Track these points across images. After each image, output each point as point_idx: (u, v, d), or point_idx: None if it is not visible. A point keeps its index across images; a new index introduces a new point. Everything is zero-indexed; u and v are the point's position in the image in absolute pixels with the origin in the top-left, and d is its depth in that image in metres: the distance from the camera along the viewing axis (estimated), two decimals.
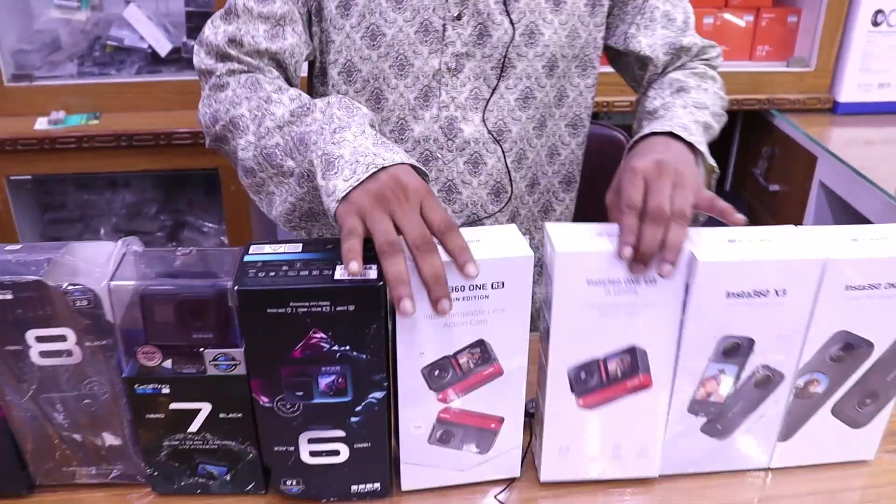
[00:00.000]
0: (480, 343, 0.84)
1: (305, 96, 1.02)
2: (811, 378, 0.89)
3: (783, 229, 0.87)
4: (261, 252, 0.81)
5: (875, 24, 2.22)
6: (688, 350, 0.85)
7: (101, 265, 0.81)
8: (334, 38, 1.11)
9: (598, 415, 0.89)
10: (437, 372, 0.85)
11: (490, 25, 1.10)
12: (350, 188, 0.84)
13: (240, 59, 1.08)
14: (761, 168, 2.34)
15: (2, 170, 1.96)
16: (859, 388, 0.90)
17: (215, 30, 1.09)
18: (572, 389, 0.88)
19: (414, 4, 1.08)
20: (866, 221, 1.90)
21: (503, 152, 1.18)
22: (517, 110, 1.16)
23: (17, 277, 0.79)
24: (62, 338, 0.82)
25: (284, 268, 0.78)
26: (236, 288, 0.76)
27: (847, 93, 2.27)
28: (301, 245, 0.83)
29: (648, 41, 1.22)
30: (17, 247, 0.84)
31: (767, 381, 0.88)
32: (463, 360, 0.85)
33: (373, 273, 0.78)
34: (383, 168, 0.84)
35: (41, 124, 1.96)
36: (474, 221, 1.21)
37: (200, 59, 1.10)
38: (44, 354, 0.83)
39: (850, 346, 0.87)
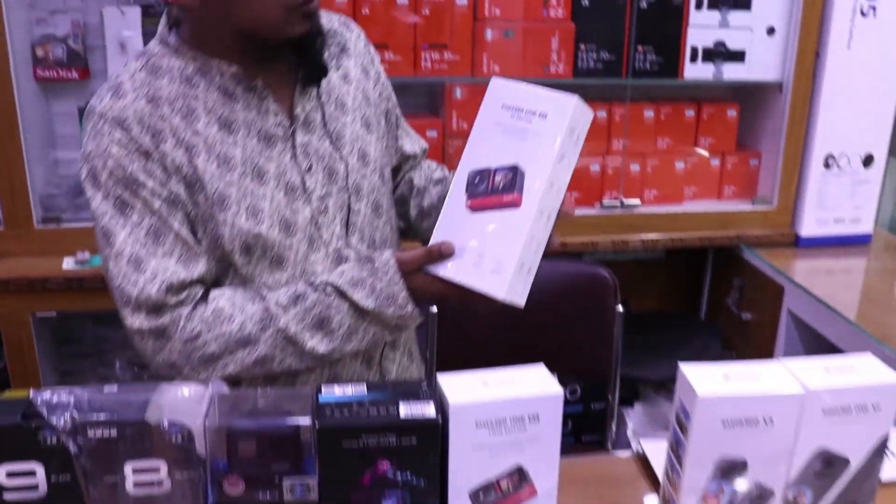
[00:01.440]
0: (518, 469, 0.98)
1: (280, 300, 1.21)
2: (798, 491, 1.03)
3: (768, 365, 1.03)
4: (332, 393, 0.95)
5: (826, 166, 2.46)
6: (691, 470, 1.00)
7: (192, 405, 0.94)
8: (223, 231, 1.20)
9: (477, 219, 1.13)
10: (481, 495, 0.98)
11: (334, 163, 1.28)
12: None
13: (177, 302, 1.18)
14: (733, 299, 2.53)
15: (28, 307, 2.09)
16: (841, 500, 1.04)
17: (137, 285, 1.16)
18: (466, 190, 1.15)
19: (273, 174, 1.22)
20: (833, 347, 2.08)
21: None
22: (374, 220, 1.35)
23: (123, 417, 0.92)
24: (155, 469, 0.94)
25: (356, 407, 0.92)
26: (317, 426, 0.90)
27: (807, 227, 2.49)
28: (365, 385, 0.97)
29: (410, 139, 1.50)
30: (114, 388, 0.97)
31: (760, 497, 1.02)
32: (504, 483, 0.98)
33: (431, 411, 0.92)
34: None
35: (68, 264, 2.10)
36: None
37: (140, 321, 1.17)
38: (137, 485, 0.95)
39: (829, 462, 1.02)
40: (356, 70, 1.36)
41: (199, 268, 1.20)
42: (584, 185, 2.40)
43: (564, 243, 2.35)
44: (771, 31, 2.39)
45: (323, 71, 1.27)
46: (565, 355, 2.13)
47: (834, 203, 2.49)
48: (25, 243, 2.14)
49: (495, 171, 1.15)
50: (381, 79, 1.42)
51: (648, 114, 2.41)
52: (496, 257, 1.12)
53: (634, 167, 2.41)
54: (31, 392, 0.94)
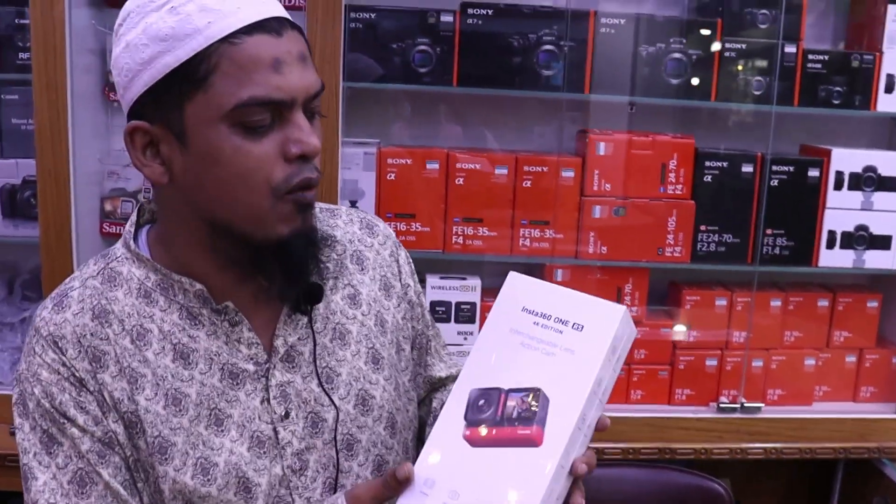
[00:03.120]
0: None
1: None
2: None
3: None
4: None
5: None
6: None
7: None
8: (163, 486, 0.95)
9: (478, 456, 0.88)
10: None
11: (321, 410, 1.01)
12: None
13: None
14: None
15: None
16: None
17: None
18: (465, 415, 0.90)
19: (236, 421, 0.98)
20: None
21: None
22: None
23: None
24: None
25: None
26: None
27: None
28: None
29: (444, 364, 1.23)
30: None
31: None
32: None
33: None
34: None
35: None
36: None
37: None
38: None
39: None
40: (372, 287, 1.10)
41: None
42: (697, 383, 2.10)
43: (672, 449, 2.05)
44: None
45: (315, 293, 1.02)
46: None
47: None
48: None
49: (508, 393, 0.89)
50: (410, 295, 1.15)
51: (775, 303, 2.11)
52: None
53: (757, 363, 2.11)
54: None
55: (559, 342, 0.89)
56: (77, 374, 0.94)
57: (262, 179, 0.90)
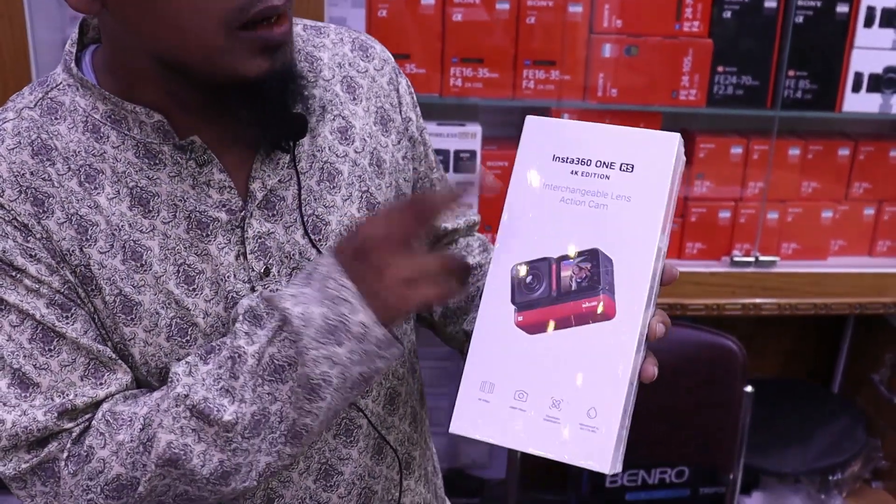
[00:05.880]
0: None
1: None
2: None
3: None
4: None
5: None
6: None
7: None
8: (132, 350, 0.85)
9: (540, 345, 0.75)
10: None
11: (307, 265, 0.89)
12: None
13: (72, 427, 0.82)
14: (883, 376, 2.11)
15: None
16: None
17: (20, 415, 0.80)
18: (513, 298, 0.77)
19: (209, 278, 0.85)
20: None
21: (371, 406, 0.96)
22: None
23: None
24: None
25: None
26: None
27: None
28: None
29: (451, 213, 1.10)
30: None
31: None
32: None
33: None
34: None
35: None
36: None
37: (15, 463, 0.80)
38: None
39: None
40: (367, 120, 0.95)
41: (118, 383, 0.83)
42: (710, 236, 2.00)
43: (683, 305, 1.97)
44: None
45: (298, 126, 0.87)
46: (674, 433, 1.79)
47: None
48: None
49: (559, 262, 0.76)
50: (411, 131, 1.01)
51: (793, 151, 1.98)
52: (586, 405, 0.73)
53: (772, 215, 2.00)
54: None
55: (608, 190, 0.76)
56: (20, 219, 0.80)
57: (215, 11, 0.74)
